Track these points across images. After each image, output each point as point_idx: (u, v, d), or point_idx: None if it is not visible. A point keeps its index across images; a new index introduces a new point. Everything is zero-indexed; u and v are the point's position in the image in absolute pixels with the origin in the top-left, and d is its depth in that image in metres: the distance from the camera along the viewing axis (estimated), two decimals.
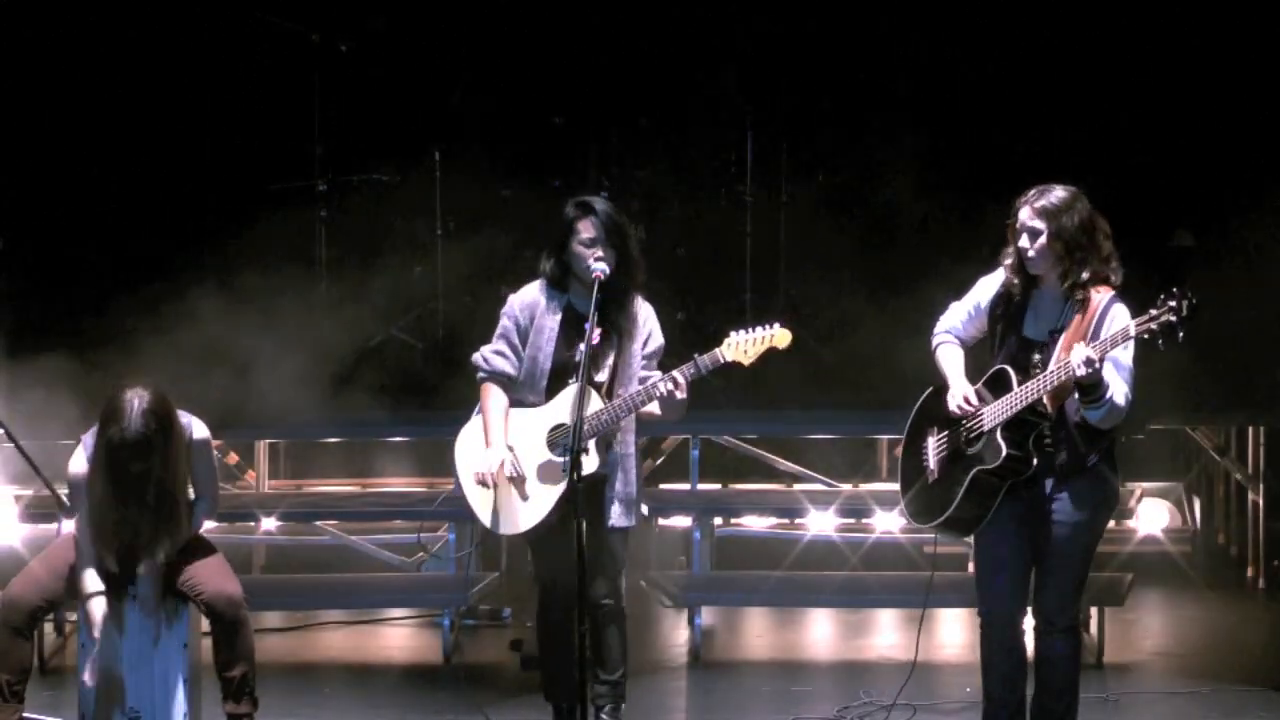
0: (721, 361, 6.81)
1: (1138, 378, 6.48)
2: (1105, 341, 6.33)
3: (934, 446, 6.73)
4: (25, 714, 7.07)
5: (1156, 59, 11.12)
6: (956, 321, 6.82)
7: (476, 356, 7.10)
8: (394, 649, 9.49)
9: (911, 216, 11.31)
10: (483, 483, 6.96)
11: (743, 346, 6.82)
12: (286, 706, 8.03)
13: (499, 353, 7.07)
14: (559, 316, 7.01)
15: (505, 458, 6.92)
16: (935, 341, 6.84)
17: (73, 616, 8.11)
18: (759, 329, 6.83)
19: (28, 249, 11.08)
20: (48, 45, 11.31)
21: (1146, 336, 6.29)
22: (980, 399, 6.58)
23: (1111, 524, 10.40)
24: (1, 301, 10.74)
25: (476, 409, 7.10)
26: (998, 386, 6.57)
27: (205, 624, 7.08)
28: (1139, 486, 10.58)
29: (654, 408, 6.88)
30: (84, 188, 11.38)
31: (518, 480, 6.95)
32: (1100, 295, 6.52)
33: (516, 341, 7.05)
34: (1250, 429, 10.48)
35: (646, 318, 7.04)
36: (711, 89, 11.60)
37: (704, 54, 11.51)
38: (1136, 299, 6.51)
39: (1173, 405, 10.10)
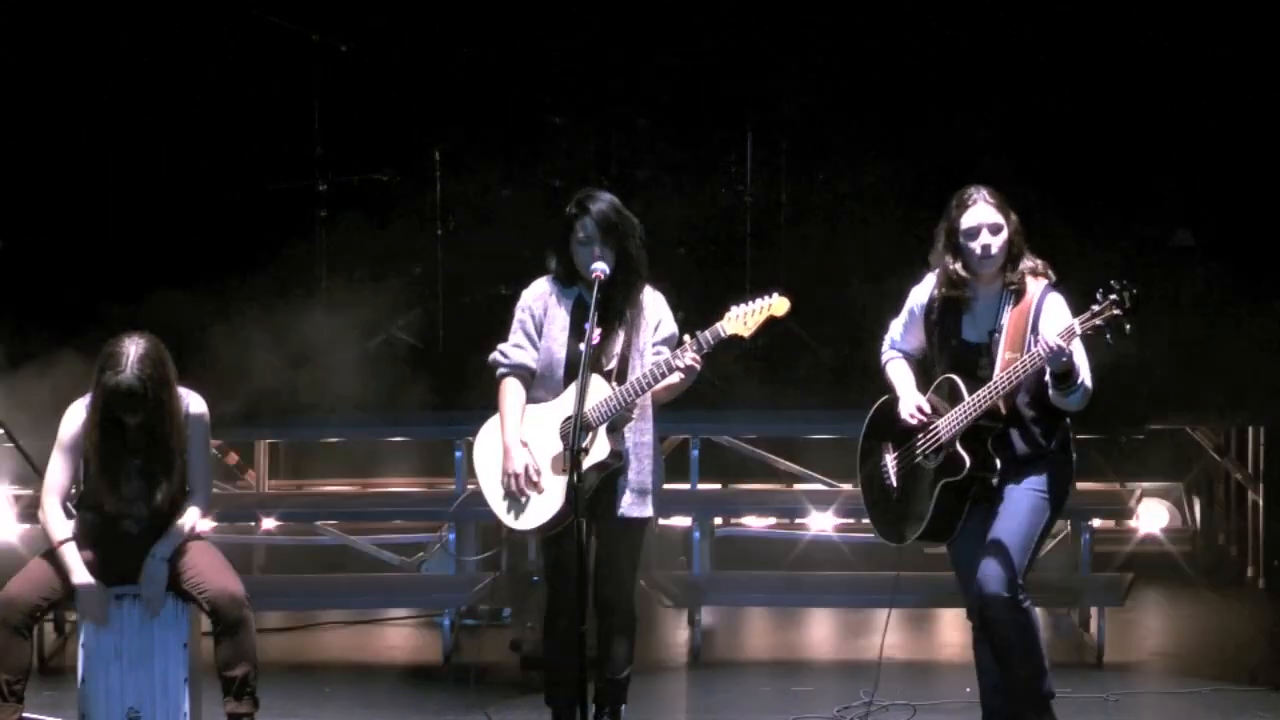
0: (723, 335, 6.78)
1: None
2: (1063, 333, 6.30)
3: (892, 463, 6.73)
4: (25, 714, 7.07)
5: (1156, 59, 11.11)
6: (896, 335, 6.88)
7: (495, 354, 7.08)
8: (394, 649, 9.49)
9: (912, 217, 11.30)
10: (511, 491, 6.92)
11: (743, 318, 6.79)
12: (286, 706, 8.03)
13: (518, 346, 7.06)
14: (570, 309, 7.00)
15: (527, 461, 6.90)
16: (884, 359, 6.90)
17: (72, 616, 8.12)
18: (757, 300, 6.81)
19: (27, 249, 11.08)
20: (48, 45, 11.31)
21: (1092, 333, 6.26)
22: (933, 409, 6.58)
23: (1111, 524, 10.51)
24: (1, 301, 10.74)
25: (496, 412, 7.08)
26: (946, 394, 6.56)
27: (206, 623, 7.08)
28: (1139, 486, 10.59)
29: (667, 382, 6.85)
30: (83, 188, 11.38)
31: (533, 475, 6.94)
32: (1034, 286, 6.53)
33: (532, 331, 7.03)
34: (1250, 429, 10.49)
35: (655, 306, 7.03)
36: (711, 89, 11.60)
37: (704, 53, 11.51)
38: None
39: (1173, 405, 10.11)
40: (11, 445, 9.17)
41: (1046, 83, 11.18)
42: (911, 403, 6.64)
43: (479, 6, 11.57)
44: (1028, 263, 6.56)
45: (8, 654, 6.94)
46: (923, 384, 6.75)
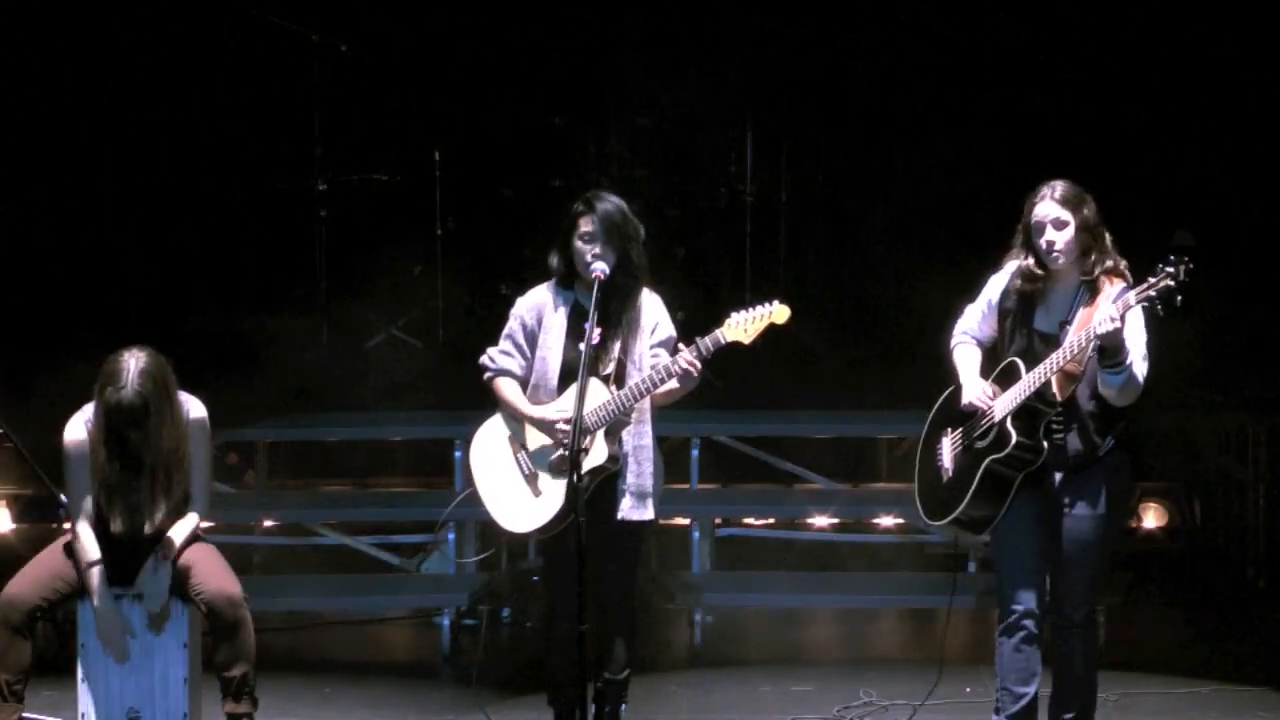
0: (723, 342, 6.79)
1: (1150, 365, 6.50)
2: (1120, 302, 6.33)
3: (949, 446, 6.75)
4: (25, 714, 7.06)
5: (1156, 58, 11.12)
6: (973, 323, 6.85)
7: (483, 358, 7.09)
8: (394, 649, 9.49)
9: (912, 217, 11.32)
10: (560, 442, 6.83)
11: (743, 325, 6.80)
12: (286, 706, 8.03)
13: (505, 352, 7.06)
14: (566, 315, 7.00)
15: (557, 416, 6.85)
16: (953, 343, 6.88)
17: (73, 616, 8.11)
18: (758, 307, 6.82)
19: (26, 249, 11.09)
20: (48, 45, 11.31)
21: (1146, 305, 6.29)
22: (994, 395, 6.60)
23: None
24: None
25: (493, 412, 7.10)
26: (1009, 380, 6.59)
27: (206, 624, 7.08)
28: (1139, 486, 10.57)
29: (665, 387, 6.85)
30: (83, 188, 11.38)
31: (530, 477, 6.94)
32: (1111, 286, 6.54)
33: (522, 342, 7.04)
34: (1250, 429, 10.48)
35: (653, 308, 7.02)
36: (711, 89, 11.61)
37: (704, 53, 11.51)
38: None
39: (1173, 405, 10.11)
40: (11, 445, 9.16)
41: (1045, 83, 11.19)
42: (976, 388, 6.65)
43: (479, 6, 11.58)
44: (1108, 260, 6.56)
45: (8, 654, 6.94)
46: (990, 371, 6.75)
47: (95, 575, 6.95)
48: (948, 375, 6.85)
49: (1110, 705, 8.00)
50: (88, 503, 6.95)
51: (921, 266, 10.60)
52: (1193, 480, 11.13)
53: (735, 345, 6.82)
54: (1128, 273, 6.58)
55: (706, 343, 6.78)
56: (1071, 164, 10.74)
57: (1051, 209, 6.55)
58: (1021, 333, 6.65)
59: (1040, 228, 6.56)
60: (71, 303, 10.89)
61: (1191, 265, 6.23)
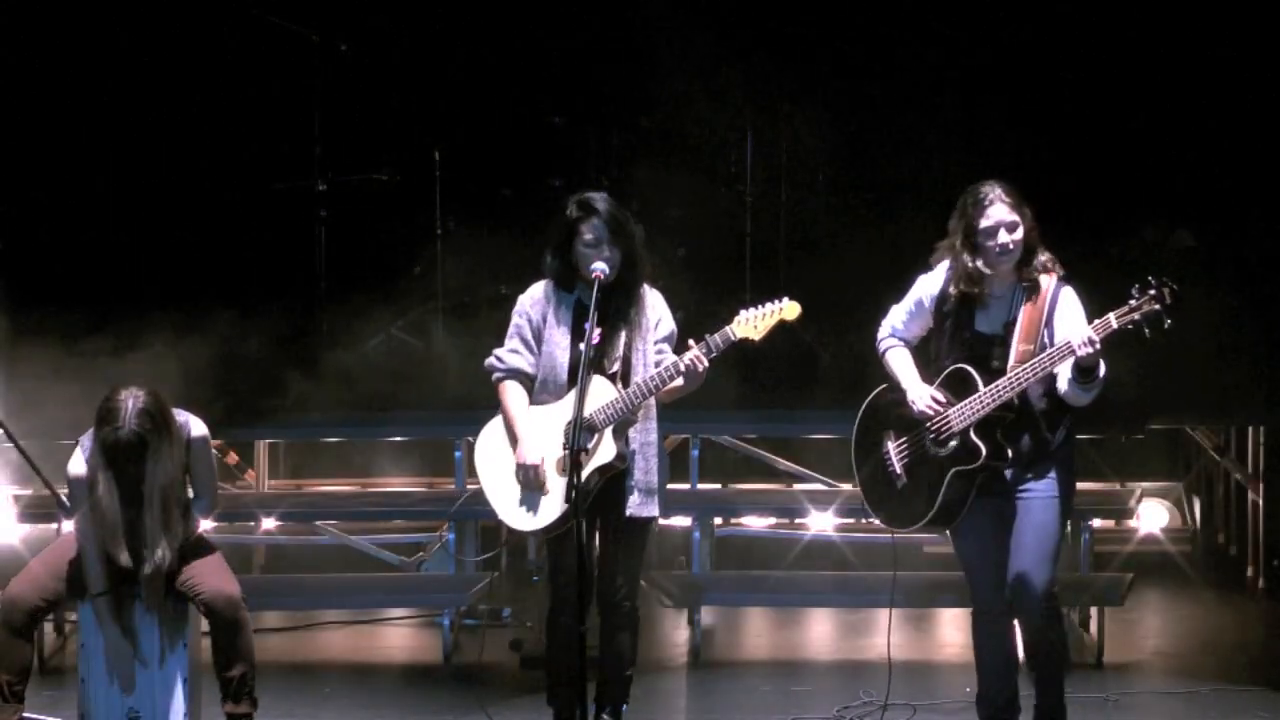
0: (733, 339, 6.80)
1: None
2: (1099, 324, 6.34)
3: (896, 451, 6.76)
4: (25, 714, 7.07)
5: (1156, 58, 11.12)
6: (898, 322, 6.91)
7: (491, 359, 7.07)
8: (394, 649, 9.49)
9: (913, 216, 11.30)
10: (529, 484, 6.90)
11: (753, 322, 6.81)
12: (286, 706, 8.04)
13: (514, 351, 7.05)
14: (571, 313, 7.00)
15: (545, 454, 6.90)
16: (882, 347, 6.93)
17: (73, 616, 8.12)
18: (768, 304, 6.84)
19: (27, 250, 11.09)
20: (48, 45, 11.31)
21: (1130, 328, 6.30)
22: (945, 400, 6.62)
23: (1111, 524, 10.51)
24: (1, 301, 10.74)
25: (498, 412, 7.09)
26: (957, 385, 6.60)
27: (205, 624, 7.08)
28: (1139, 486, 10.58)
29: (673, 385, 6.84)
30: (83, 188, 11.38)
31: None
32: (1047, 280, 6.58)
33: (530, 338, 7.02)
34: (1250, 429, 10.48)
35: (655, 304, 7.02)
36: (712, 89, 11.61)
37: (704, 53, 11.51)
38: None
39: (1173, 405, 10.11)
40: (11, 445, 9.15)
41: (1045, 83, 11.19)
42: (925, 394, 6.67)
43: (479, 6, 11.58)
44: (1041, 257, 6.60)
45: (8, 654, 6.95)
46: (919, 369, 6.77)
47: (99, 610, 6.95)
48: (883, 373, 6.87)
49: (1110, 705, 8.01)
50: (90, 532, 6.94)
51: (921, 267, 10.58)
52: (1193, 480, 11.14)
53: (745, 342, 6.83)
54: (1058, 266, 6.61)
55: (716, 339, 6.78)
56: (1072, 164, 10.81)
57: (1003, 212, 6.59)
58: (963, 336, 6.67)
59: (993, 231, 6.59)
60: (71, 303, 10.88)
61: (1175, 288, 6.22)
